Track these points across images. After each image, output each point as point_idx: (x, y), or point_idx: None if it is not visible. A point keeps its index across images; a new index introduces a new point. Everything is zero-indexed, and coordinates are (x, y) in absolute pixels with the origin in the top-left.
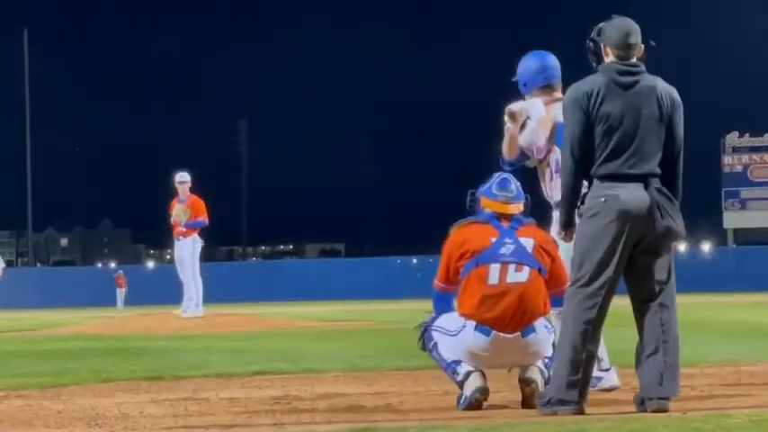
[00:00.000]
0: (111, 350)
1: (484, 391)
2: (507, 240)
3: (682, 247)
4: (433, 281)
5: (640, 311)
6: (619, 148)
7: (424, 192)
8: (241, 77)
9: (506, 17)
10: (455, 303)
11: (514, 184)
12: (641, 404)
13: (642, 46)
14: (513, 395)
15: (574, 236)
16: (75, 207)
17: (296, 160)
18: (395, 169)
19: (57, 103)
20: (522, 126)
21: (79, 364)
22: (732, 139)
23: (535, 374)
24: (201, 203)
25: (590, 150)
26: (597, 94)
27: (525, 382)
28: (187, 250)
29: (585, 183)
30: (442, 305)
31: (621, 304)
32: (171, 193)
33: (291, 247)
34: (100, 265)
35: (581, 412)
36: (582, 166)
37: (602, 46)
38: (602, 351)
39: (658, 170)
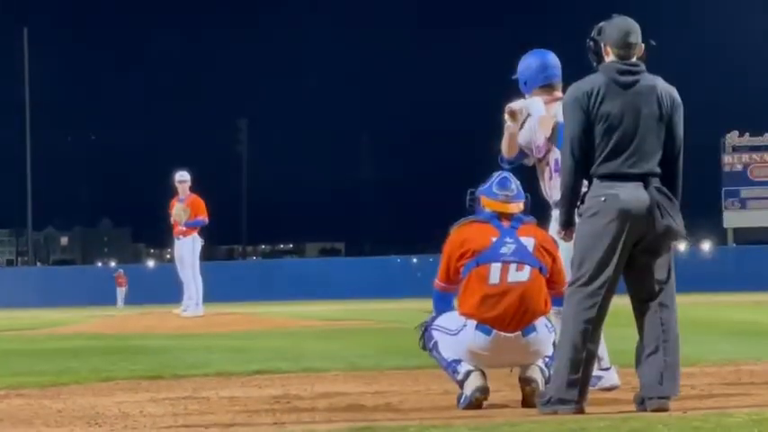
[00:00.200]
0: (111, 349)
1: (484, 391)
2: (508, 240)
3: (682, 246)
4: (434, 280)
5: (640, 311)
6: (619, 148)
7: (423, 191)
8: (241, 77)
9: (506, 17)
10: (455, 303)
11: (515, 183)
12: (641, 403)
13: (642, 45)
14: (514, 394)
15: (573, 235)
16: (75, 206)
17: (296, 159)
18: (395, 169)
19: (57, 103)
20: (522, 124)
21: (79, 363)
22: (732, 138)
23: (535, 373)
24: (201, 202)
25: (590, 150)
26: (597, 94)
27: (525, 382)
28: (187, 249)
29: (585, 182)
30: (443, 304)
31: (621, 303)
32: (171, 192)
33: (291, 246)
34: (100, 264)
35: (581, 411)
36: (582, 166)
37: (602, 45)
38: (603, 350)
39: (658, 169)
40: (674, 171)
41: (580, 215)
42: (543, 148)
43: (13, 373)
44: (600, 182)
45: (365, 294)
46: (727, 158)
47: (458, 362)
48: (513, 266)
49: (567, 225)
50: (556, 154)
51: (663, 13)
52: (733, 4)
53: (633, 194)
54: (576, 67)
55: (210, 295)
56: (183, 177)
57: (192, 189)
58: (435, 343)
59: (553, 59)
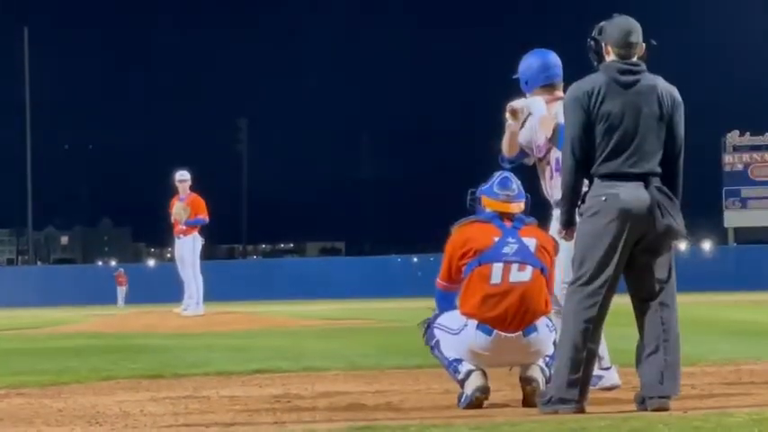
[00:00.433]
0: (112, 348)
1: (485, 391)
2: (510, 240)
3: (682, 245)
4: (436, 279)
5: (641, 310)
6: (619, 147)
7: (423, 191)
8: (241, 76)
9: (506, 17)
10: (457, 302)
11: (515, 183)
12: (642, 403)
13: (643, 45)
14: (514, 394)
15: (574, 235)
16: (75, 205)
17: (296, 158)
18: (395, 168)
19: (57, 102)
20: (523, 123)
21: (80, 363)
22: (733, 137)
23: (536, 373)
24: (202, 202)
25: (590, 149)
26: (598, 93)
27: (526, 381)
28: (187, 248)
29: (586, 181)
30: (445, 303)
31: (622, 303)
32: (171, 191)
33: (292, 245)
34: (100, 263)
35: (582, 411)
36: (582, 165)
37: (603, 45)
38: (603, 350)
39: (659, 169)
40: (674, 171)
41: (581, 214)
42: (544, 148)
43: (14, 373)
44: (600, 181)
45: (365, 294)
46: (727, 158)
47: (459, 361)
48: (515, 266)
49: (568, 224)
50: (556, 153)
51: (663, 12)
52: (733, 3)
53: (634, 194)
54: (577, 66)
55: (211, 294)
56: (183, 177)
57: (193, 188)
58: (437, 342)
59: (554, 59)
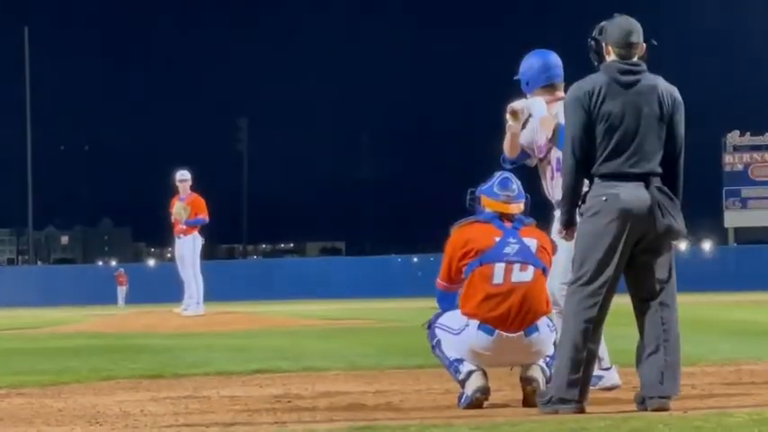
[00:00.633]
0: (112, 348)
1: (485, 391)
2: (511, 240)
3: (682, 246)
4: (436, 280)
5: (641, 310)
6: (620, 147)
7: (424, 191)
8: (241, 76)
9: (506, 17)
10: (458, 302)
11: (515, 184)
12: (642, 403)
13: (644, 45)
14: (515, 394)
15: (575, 235)
16: (75, 205)
17: (296, 158)
18: (395, 168)
19: (57, 102)
20: (524, 124)
21: (80, 362)
22: (733, 137)
23: (536, 373)
24: (202, 201)
25: (591, 149)
26: (598, 93)
27: (526, 381)
28: (188, 248)
29: (586, 181)
30: (446, 303)
31: (622, 303)
32: (171, 191)
33: (292, 245)
34: (101, 263)
35: (582, 411)
36: (583, 165)
37: (603, 45)
38: (603, 350)
39: (659, 169)
40: (675, 171)
41: (581, 215)
42: (545, 148)
43: (14, 372)
44: (601, 181)
45: (366, 293)
46: (727, 158)
47: (460, 361)
48: (516, 266)
49: (569, 224)
50: (557, 153)
51: (663, 12)
52: (734, 3)
53: (634, 194)
54: (577, 66)
55: (211, 294)
56: (183, 176)
57: (193, 188)
58: (438, 341)
59: (555, 59)
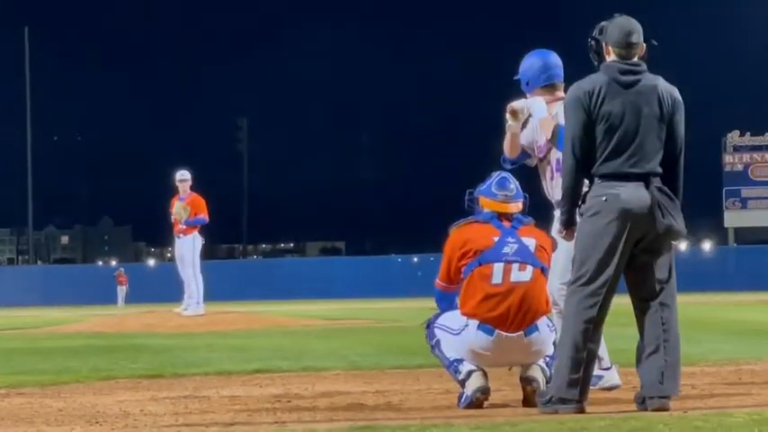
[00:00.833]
0: (112, 348)
1: (485, 391)
2: (510, 240)
3: (682, 246)
4: (435, 280)
5: (641, 310)
6: (620, 147)
7: (423, 191)
8: (241, 75)
9: (507, 17)
10: (457, 302)
11: (514, 183)
12: (642, 403)
13: (644, 45)
14: (515, 394)
15: (575, 235)
16: (75, 205)
17: (296, 158)
18: (395, 168)
19: (57, 101)
20: (524, 124)
21: (80, 362)
22: (733, 137)
23: (536, 373)
24: (202, 201)
25: (591, 149)
26: (598, 93)
27: (526, 381)
28: (188, 248)
29: (586, 181)
30: (445, 303)
31: (622, 303)
32: (171, 190)
33: (292, 245)
34: (100, 263)
35: (582, 411)
36: (583, 165)
37: (603, 45)
38: (603, 350)
39: (659, 169)
40: (675, 171)
41: (581, 215)
42: (544, 148)
43: (14, 372)
44: (601, 181)
45: (366, 293)
46: (727, 158)
47: (459, 361)
48: (515, 266)
49: (569, 224)
50: (557, 153)
51: (664, 12)
52: (734, 4)
53: (634, 194)
54: (576, 66)
55: (211, 294)
56: (183, 176)
57: (193, 188)
58: (438, 341)
59: (555, 59)
